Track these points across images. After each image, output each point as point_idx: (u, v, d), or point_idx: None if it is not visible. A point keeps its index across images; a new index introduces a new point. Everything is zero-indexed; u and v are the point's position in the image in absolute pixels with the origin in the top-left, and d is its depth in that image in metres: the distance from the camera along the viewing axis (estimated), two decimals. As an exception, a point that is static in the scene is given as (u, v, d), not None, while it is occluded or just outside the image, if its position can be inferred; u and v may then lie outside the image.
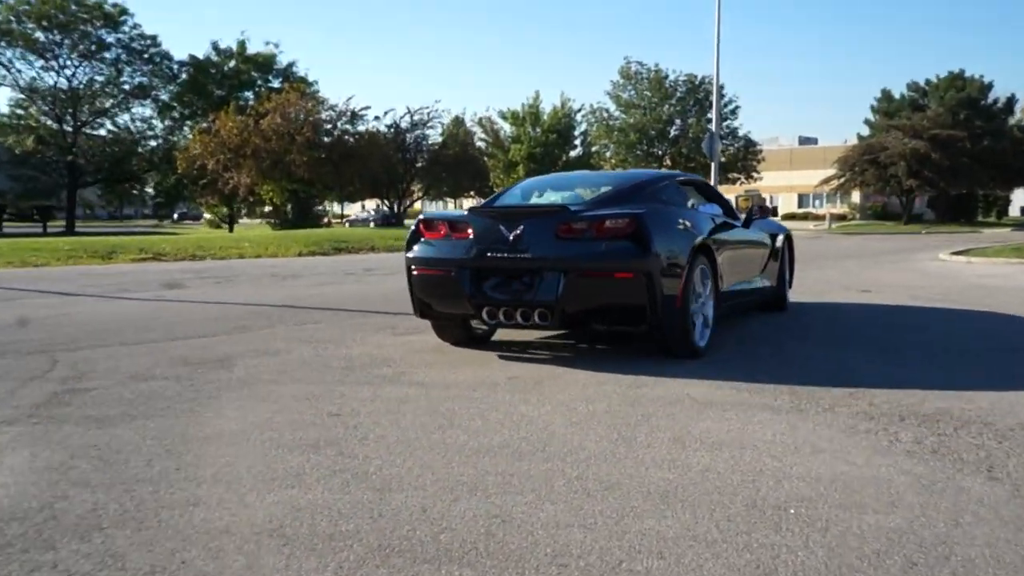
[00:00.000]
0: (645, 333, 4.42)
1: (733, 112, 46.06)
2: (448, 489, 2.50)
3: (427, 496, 2.45)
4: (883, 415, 3.32)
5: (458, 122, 47.09)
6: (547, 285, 4.34)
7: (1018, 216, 66.18)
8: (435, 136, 43.89)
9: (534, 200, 5.34)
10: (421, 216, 4.81)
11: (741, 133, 46.68)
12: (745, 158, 46.05)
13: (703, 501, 2.41)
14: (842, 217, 56.44)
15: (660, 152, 46.70)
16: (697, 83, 45.08)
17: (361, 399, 3.55)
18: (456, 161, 43.31)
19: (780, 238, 6.77)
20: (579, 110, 49.04)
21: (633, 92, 46.70)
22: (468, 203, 74.21)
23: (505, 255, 4.43)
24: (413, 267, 4.74)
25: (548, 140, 46.79)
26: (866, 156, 40.74)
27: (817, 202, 57.32)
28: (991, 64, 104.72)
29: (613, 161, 47.64)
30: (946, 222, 43.58)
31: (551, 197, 5.38)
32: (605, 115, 47.55)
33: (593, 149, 49.43)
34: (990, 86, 45.52)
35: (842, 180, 43.32)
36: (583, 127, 50.24)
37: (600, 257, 4.29)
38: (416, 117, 41.61)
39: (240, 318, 6.08)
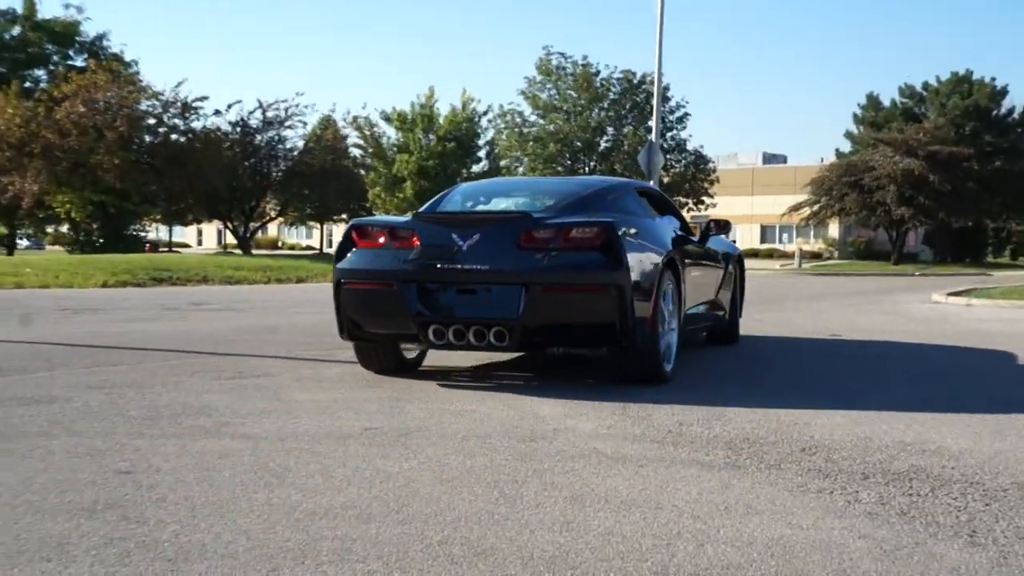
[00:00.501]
0: (607, 355, 5.02)
1: (680, 120, 47.87)
2: (266, 557, 2.48)
3: (236, 566, 2.41)
4: (842, 472, 3.46)
5: (327, 123, 46.93)
6: (506, 300, 4.98)
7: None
8: (296, 139, 43.65)
9: (480, 208, 6.01)
10: (354, 222, 5.39)
11: (690, 147, 48.45)
12: (695, 177, 47.75)
13: (599, 568, 2.45)
14: (816, 255, 59.01)
15: (587, 168, 47.86)
16: (636, 82, 46.67)
17: (164, 454, 3.53)
18: (323, 173, 43.00)
19: (732, 258, 7.73)
20: (485, 112, 49.89)
21: (554, 91, 47.92)
22: (340, 229, 73.99)
23: (458, 266, 5.04)
24: (344, 280, 5.30)
25: (445, 150, 47.26)
26: (847, 178, 42.48)
27: (785, 236, 59.78)
28: (1004, 65, 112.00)
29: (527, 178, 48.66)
30: (947, 262, 45.91)
31: (500, 204, 6.08)
32: (518, 120, 48.59)
33: (502, 163, 50.23)
34: (1003, 92, 47.89)
35: (816, 208, 45.12)
36: (490, 134, 51.04)
37: (567, 269, 4.98)
38: (270, 113, 41.15)
39: (5, 359, 5.89)
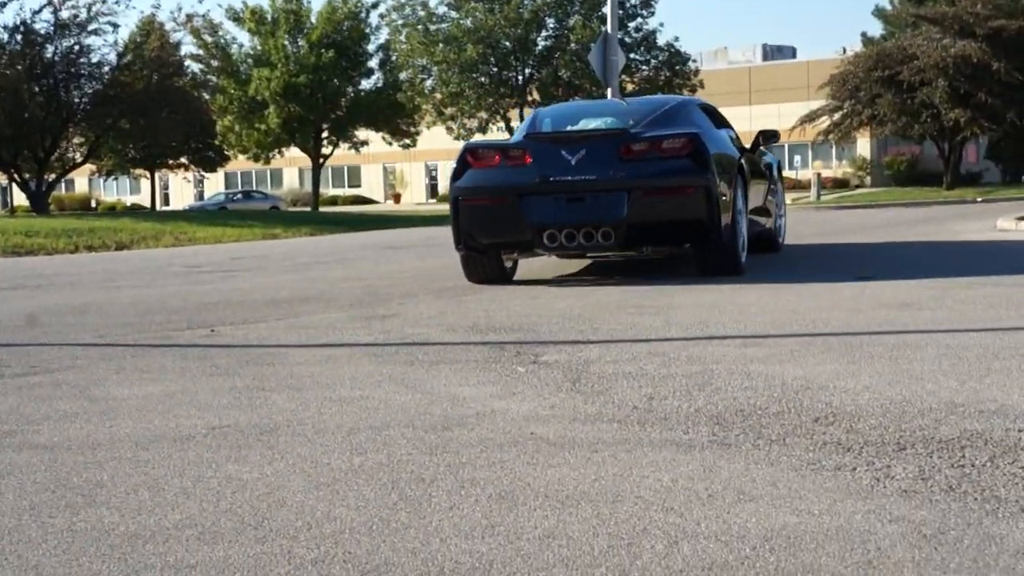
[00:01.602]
0: (694, 251, 9.22)
1: (646, 4, 48.09)
2: (66, 595, 2.48)
3: (24, 611, 2.41)
4: (868, 444, 3.55)
5: (149, 26, 46.14)
6: (613, 204, 8.89)
7: None
8: (106, 50, 42.94)
9: (576, 127, 10.05)
10: (467, 144, 8.80)
11: (662, 40, 48.75)
12: (669, 82, 48.02)
13: (537, 579, 2.49)
14: (842, 183, 59.97)
15: (520, 75, 47.77)
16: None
17: (-83, 479, 3.50)
18: (148, 97, 42.30)
19: (774, 168, 12.18)
20: (375, 5, 49.55)
21: (471, -30, 47.76)
22: (180, 177, 73.18)
23: (569, 178, 8.95)
24: (462, 198, 9.20)
25: (321, 60, 46.85)
26: (879, 72, 42.96)
27: (798, 157, 60.52)
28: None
29: (440, 96, 48.40)
30: (1019, 182, 46.88)
31: (591, 124, 10.13)
32: (421, 14, 48.41)
33: (402, 76, 49.95)
34: None
35: (839, 116, 45.73)
36: (383, 36, 50.76)
37: (664, 175, 8.90)
38: (65, 12, 40.20)
39: None
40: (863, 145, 60.46)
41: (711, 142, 9.47)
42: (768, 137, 11.62)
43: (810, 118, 46.18)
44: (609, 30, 24.58)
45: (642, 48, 48.23)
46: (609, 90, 25.54)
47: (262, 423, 4.20)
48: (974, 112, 41.20)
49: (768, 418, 3.98)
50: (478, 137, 51.09)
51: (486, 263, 9.71)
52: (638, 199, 8.96)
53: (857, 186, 59.45)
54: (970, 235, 13.37)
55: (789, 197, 48.71)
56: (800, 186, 54.72)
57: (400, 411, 4.33)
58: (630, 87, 47.19)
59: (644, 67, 48.63)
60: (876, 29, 52.19)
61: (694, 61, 51.31)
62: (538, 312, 7.37)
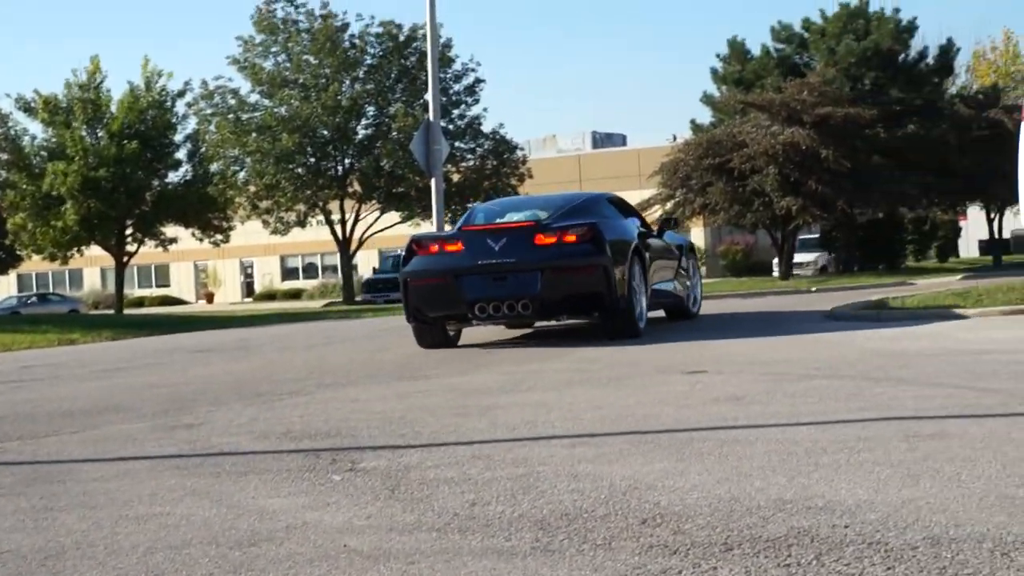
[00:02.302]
0: (598, 321, 12.73)
1: (470, 91, 48.85)
2: None
3: None
4: (695, 545, 3.62)
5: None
6: (529, 282, 12.25)
7: (974, 256, 74.82)
8: None
9: (502, 220, 13.50)
10: (413, 237, 12.70)
11: (488, 127, 49.45)
12: (496, 170, 48.65)
13: None
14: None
15: (341, 166, 47.73)
16: (403, 39, 47.29)
17: None
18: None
19: (684, 248, 16.10)
20: (182, 93, 49.14)
21: (283, 57, 47.85)
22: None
23: (494, 261, 12.26)
24: (410, 279, 12.63)
25: (124, 152, 46.01)
26: (709, 160, 44.12)
27: (632, 247, 61.56)
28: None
29: (254, 188, 48.06)
30: (853, 271, 48.52)
31: (514, 217, 13.59)
32: (232, 101, 48.18)
33: (213, 168, 49.47)
34: (910, 28, 50.45)
35: (671, 205, 46.88)
36: (191, 126, 50.23)
37: (568, 257, 12.28)
38: None
39: None
40: (697, 235, 62.01)
41: (608, 230, 13.05)
42: (669, 223, 16.48)
43: (641, 208, 47.14)
44: (431, 118, 24.82)
45: (467, 136, 48.84)
46: (433, 180, 25.76)
47: (48, 547, 4.07)
48: (805, 200, 42.64)
49: (594, 521, 4.02)
50: (297, 230, 50.85)
51: (433, 332, 13.51)
52: (549, 277, 12.57)
53: (692, 276, 60.78)
54: (802, 325, 13.77)
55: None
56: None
57: (203, 527, 4.26)
58: (456, 177, 47.72)
59: (470, 156, 49.20)
60: (705, 116, 53.83)
61: (522, 149, 52.15)
62: (357, 416, 7.34)
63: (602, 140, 76.30)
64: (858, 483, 4.39)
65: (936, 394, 6.85)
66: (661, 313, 16.36)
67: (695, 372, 9.00)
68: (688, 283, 16.39)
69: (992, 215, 53.98)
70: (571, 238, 12.69)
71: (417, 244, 13.19)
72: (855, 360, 9.27)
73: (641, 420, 6.46)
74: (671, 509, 4.13)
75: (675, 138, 62.32)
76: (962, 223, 73.48)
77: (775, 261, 50.35)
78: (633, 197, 52.23)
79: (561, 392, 8.16)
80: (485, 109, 70.39)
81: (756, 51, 51.29)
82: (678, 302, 15.87)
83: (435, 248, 13.11)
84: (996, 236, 54.26)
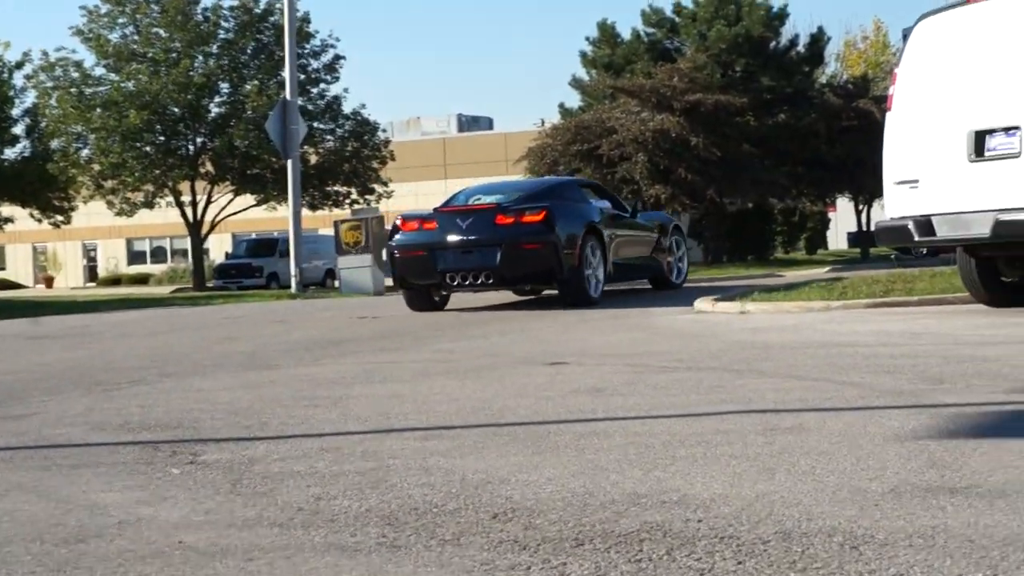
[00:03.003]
0: (556, 288, 16.73)
1: (331, 68, 48.47)
2: None
3: None
4: (546, 540, 3.66)
5: None
6: (490, 256, 16.08)
7: (843, 248, 76.40)
8: None
9: (473, 201, 17.60)
10: (400, 216, 17.32)
11: (348, 107, 49.14)
12: (357, 154, 48.36)
13: None
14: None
15: (190, 147, 46.93)
16: (259, 12, 46.65)
17: None
18: None
19: (668, 227, 20.20)
20: (20, 64, 47.92)
21: (131, 29, 46.92)
22: None
23: (461, 238, 16.25)
24: (396, 251, 16.93)
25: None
26: (578, 145, 44.32)
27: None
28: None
29: (99, 167, 47.11)
30: (722, 261, 49.17)
31: (485, 199, 17.38)
32: (75, 75, 47.10)
33: (53, 145, 48.33)
34: (781, 16, 51.00)
35: (537, 191, 47.15)
36: (29, 99, 48.99)
37: (524, 235, 16.03)
38: None
39: None
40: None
41: (561, 212, 16.59)
42: (646, 205, 23.46)
43: (507, 192, 47.27)
44: (288, 96, 24.66)
45: (326, 116, 48.47)
46: (289, 162, 25.57)
47: None
48: (675, 189, 43.17)
49: (444, 516, 4.04)
50: (144, 212, 49.98)
51: (419, 298, 17.45)
52: (507, 252, 16.14)
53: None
54: (669, 317, 13.98)
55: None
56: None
57: (28, 523, 4.18)
58: (314, 159, 47.34)
59: (329, 137, 48.84)
60: (574, 101, 54.17)
61: (384, 131, 51.95)
62: (201, 406, 7.25)
63: (468, 123, 76.46)
64: (714, 477, 4.47)
65: (796, 387, 6.99)
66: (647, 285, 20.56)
67: (556, 363, 9.07)
68: (670, 258, 20.32)
69: (860, 207, 55.16)
70: (526, 219, 16.26)
71: (403, 222, 17.26)
72: (718, 352, 9.43)
73: (498, 412, 6.49)
74: (523, 504, 4.16)
75: (543, 123, 62.54)
76: (831, 214, 75.01)
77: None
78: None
79: (417, 383, 8.16)
80: (346, 89, 69.75)
81: (627, 35, 51.72)
82: (656, 274, 19.98)
83: (415, 225, 17.03)
84: (864, 228, 55.50)
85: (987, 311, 12.15)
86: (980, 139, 11.16)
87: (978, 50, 11.41)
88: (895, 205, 12.11)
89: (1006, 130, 10.99)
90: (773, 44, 50.85)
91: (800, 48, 52.07)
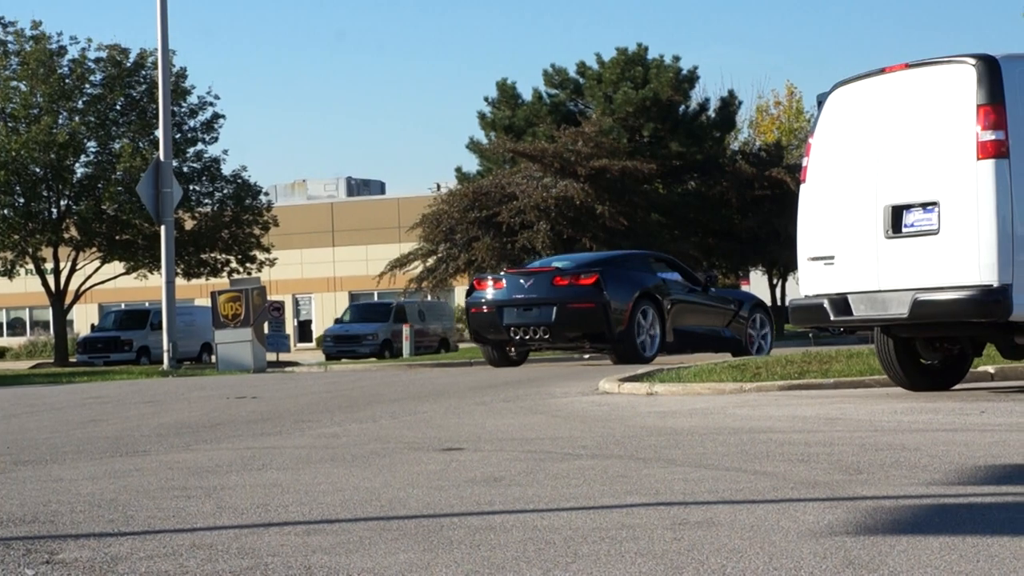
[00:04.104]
0: (609, 345, 21.45)
1: (209, 128, 48.26)
2: None
3: None
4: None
5: None
6: (546, 313, 21.01)
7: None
8: None
9: (541, 266, 24.05)
10: (476, 276, 24.91)
11: (228, 170, 48.91)
12: (237, 218, 48.09)
13: None
14: (443, 341, 61.57)
15: (53, 210, 46.25)
16: (130, 64, 46.36)
17: None
18: None
19: (746, 305, 24.68)
20: None
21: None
22: None
23: (523, 296, 21.46)
24: (471, 307, 22.41)
25: None
26: (476, 212, 44.50)
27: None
28: (685, 36, 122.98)
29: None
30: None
31: (555, 263, 23.12)
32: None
33: None
34: (691, 78, 51.91)
35: (432, 262, 47.15)
36: None
37: (576, 296, 21.05)
38: None
39: None
40: (461, 294, 62.48)
41: (615, 277, 21.17)
42: (712, 280, 24.10)
43: (400, 264, 47.25)
44: (162, 157, 24.47)
45: (204, 178, 48.21)
46: (163, 228, 25.33)
47: None
48: (578, 261, 43.45)
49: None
50: (2, 280, 49.16)
51: (497, 354, 22.44)
52: (561, 310, 20.73)
53: (457, 341, 61.19)
54: (571, 398, 13.99)
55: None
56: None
57: None
58: (190, 223, 46.99)
59: (207, 200, 48.55)
60: (472, 164, 54.40)
61: (266, 194, 51.78)
62: (60, 498, 7.11)
63: (358, 187, 76.47)
64: (618, 577, 4.47)
65: (707, 476, 7.04)
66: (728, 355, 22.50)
67: (450, 449, 9.04)
68: (749, 331, 24.04)
69: (775, 280, 55.93)
70: (580, 281, 20.87)
71: (477, 281, 22.61)
72: (623, 438, 9.46)
73: (387, 504, 6.45)
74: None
75: (439, 187, 62.74)
76: (744, 288, 75.98)
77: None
78: (391, 251, 52.68)
79: (299, 471, 8.09)
80: (225, 151, 69.63)
81: (528, 96, 52.21)
82: (733, 345, 23.56)
83: (487, 285, 22.13)
84: (778, 303, 56.19)
85: (905, 395, 12.34)
86: (897, 215, 11.40)
87: (894, 121, 11.65)
88: (810, 282, 12.29)
89: (924, 206, 11.23)
90: (682, 108, 51.65)
91: (711, 112, 52.91)
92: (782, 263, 51.76)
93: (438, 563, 4.82)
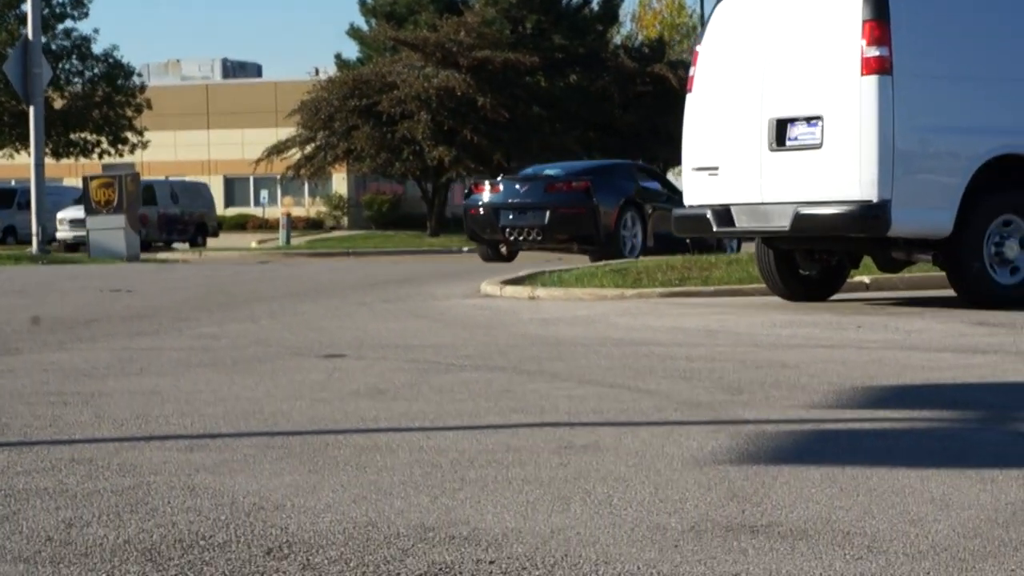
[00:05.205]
0: (596, 246, 23.79)
1: (79, 3, 47.00)
2: None
3: None
4: None
5: None
6: (540, 216, 23.74)
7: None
8: None
9: (532, 172, 27.74)
10: (473, 181, 30.64)
11: (99, 48, 47.83)
12: (109, 98, 47.10)
13: None
14: (316, 224, 61.32)
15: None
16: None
17: None
18: None
19: None
20: None
21: None
22: None
23: (518, 200, 24.38)
24: (468, 208, 25.50)
25: None
26: (355, 101, 44.23)
27: (264, 193, 61.34)
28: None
29: None
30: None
31: (547, 171, 26.52)
32: None
33: None
34: None
35: (311, 149, 46.73)
36: None
37: (567, 201, 24.10)
38: None
39: None
40: (339, 182, 62.16)
41: (602, 185, 23.68)
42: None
43: (278, 150, 46.81)
44: (30, 35, 23.85)
45: (74, 57, 47.13)
46: (32, 108, 24.77)
47: None
48: (459, 151, 43.38)
49: (213, 551, 3.93)
50: None
51: (488, 251, 24.88)
52: (553, 214, 23.12)
53: (333, 227, 60.98)
54: (454, 300, 14.02)
55: (254, 239, 49.44)
56: (270, 225, 55.31)
57: None
58: (59, 103, 45.98)
59: (77, 80, 47.49)
60: (353, 51, 53.88)
61: (139, 75, 50.77)
62: (-69, 404, 6.97)
63: (234, 69, 75.27)
64: (506, 506, 4.48)
65: (591, 394, 7.10)
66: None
67: (333, 356, 9.03)
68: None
69: (656, 177, 56.32)
70: (571, 187, 23.61)
71: (475, 185, 25.79)
72: (507, 347, 9.51)
73: (270, 417, 6.42)
74: (300, 536, 4.10)
75: (317, 72, 62.04)
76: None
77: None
78: (268, 136, 52.06)
79: (179, 377, 8.03)
80: (96, 29, 67.87)
81: (409, -19, 51.62)
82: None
83: (484, 189, 24.75)
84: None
85: (784, 306, 12.53)
86: (781, 128, 11.49)
87: (781, 34, 11.70)
88: (694, 192, 12.37)
89: (808, 119, 11.33)
90: (566, 1, 51.41)
91: (594, 5, 52.87)
92: (662, 159, 52.05)
93: (324, 486, 4.80)
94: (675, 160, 51.33)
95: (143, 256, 27.84)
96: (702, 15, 59.57)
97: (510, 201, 23.78)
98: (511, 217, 23.51)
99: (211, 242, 46.05)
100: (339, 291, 15.71)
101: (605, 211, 23.04)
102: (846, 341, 9.51)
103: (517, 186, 24.31)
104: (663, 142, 47.52)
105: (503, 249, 24.87)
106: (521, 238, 23.55)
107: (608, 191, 23.50)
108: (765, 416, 6.26)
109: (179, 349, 9.70)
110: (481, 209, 24.21)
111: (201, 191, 49.50)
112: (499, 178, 25.94)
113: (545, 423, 6.18)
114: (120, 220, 27.13)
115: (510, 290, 14.30)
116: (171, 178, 49.13)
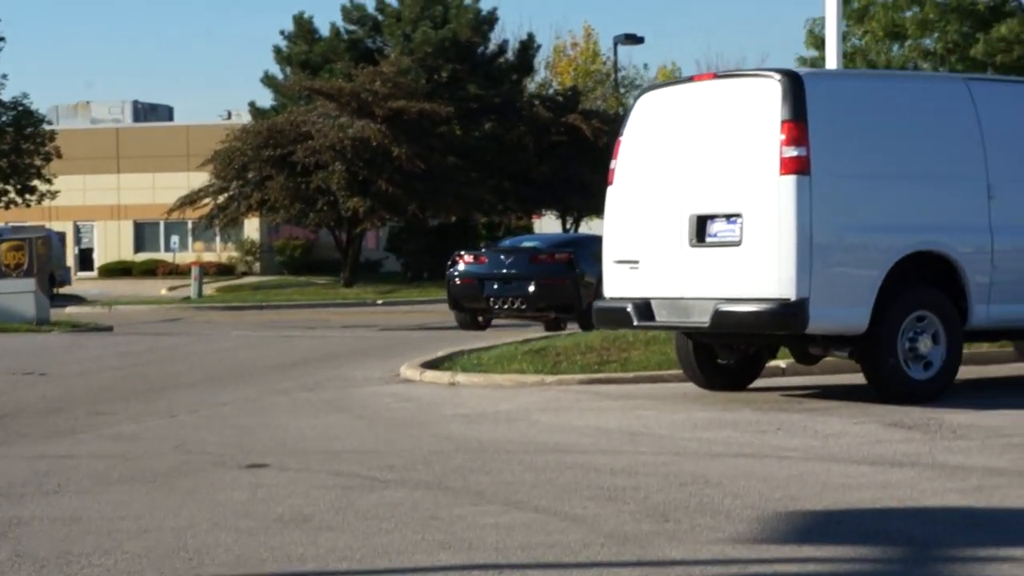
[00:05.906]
0: (575, 315, 23.68)
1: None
2: None
3: None
4: None
5: None
6: (525, 287, 24.16)
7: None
8: None
9: (514, 244, 28.87)
10: (456, 252, 26.48)
11: (8, 95, 47.37)
12: (18, 147, 46.63)
13: None
14: (228, 269, 60.93)
15: None
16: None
17: None
18: None
19: None
20: None
21: None
22: None
23: (504, 271, 24.87)
24: (454, 278, 25.28)
25: None
26: (269, 151, 44.04)
27: (175, 239, 61.00)
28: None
29: None
30: (423, 278, 49.45)
31: (526, 243, 27.96)
32: None
33: None
34: (491, 19, 52.58)
35: (223, 199, 46.49)
36: None
37: (551, 273, 24.52)
38: None
39: None
40: (251, 226, 61.76)
41: (584, 258, 23.47)
42: None
43: (191, 200, 46.51)
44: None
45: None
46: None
47: None
48: (374, 201, 43.37)
49: None
50: None
51: (467, 319, 25.03)
52: (537, 284, 23.61)
53: (244, 273, 60.61)
54: (373, 387, 13.97)
55: (164, 286, 49.11)
56: (181, 272, 54.85)
57: None
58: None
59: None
60: (267, 99, 53.73)
61: (49, 123, 50.33)
62: None
63: (145, 112, 74.73)
64: None
65: (517, 522, 7.08)
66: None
67: (256, 466, 9.00)
68: None
69: (568, 226, 56.62)
70: (554, 259, 24.43)
71: (460, 256, 25.50)
72: (431, 455, 9.46)
73: (195, 557, 6.39)
74: None
75: (230, 115, 61.74)
76: (536, 221, 76.60)
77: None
78: (179, 180, 51.77)
79: (99, 496, 8.00)
80: (5, 75, 67.18)
81: (325, 31, 51.99)
82: None
83: (471, 260, 25.30)
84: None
85: (703, 396, 12.55)
86: (702, 224, 11.58)
87: (702, 130, 11.79)
88: (614, 285, 12.42)
89: (728, 217, 11.44)
90: (481, 49, 51.90)
91: (509, 55, 53.23)
92: (575, 208, 52.46)
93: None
94: (589, 210, 52.06)
95: (53, 316, 27.40)
96: (616, 62, 60.24)
97: (495, 272, 24.50)
98: (495, 287, 24.18)
99: (123, 287, 45.43)
100: (258, 374, 15.62)
101: (587, 282, 23.37)
102: (767, 449, 9.54)
103: (502, 257, 25.22)
104: (577, 192, 47.91)
105: (480, 319, 25.37)
106: (505, 307, 24.25)
107: (590, 263, 23.21)
108: (692, 556, 6.31)
109: (98, 456, 9.60)
110: (466, 279, 24.87)
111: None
112: (482, 250, 28.43)
113: (474, 565, 6.19)
114: (30, 284, 26.66)
115: (430, 375, 14.23)
116: (11, 223, 47.89)
